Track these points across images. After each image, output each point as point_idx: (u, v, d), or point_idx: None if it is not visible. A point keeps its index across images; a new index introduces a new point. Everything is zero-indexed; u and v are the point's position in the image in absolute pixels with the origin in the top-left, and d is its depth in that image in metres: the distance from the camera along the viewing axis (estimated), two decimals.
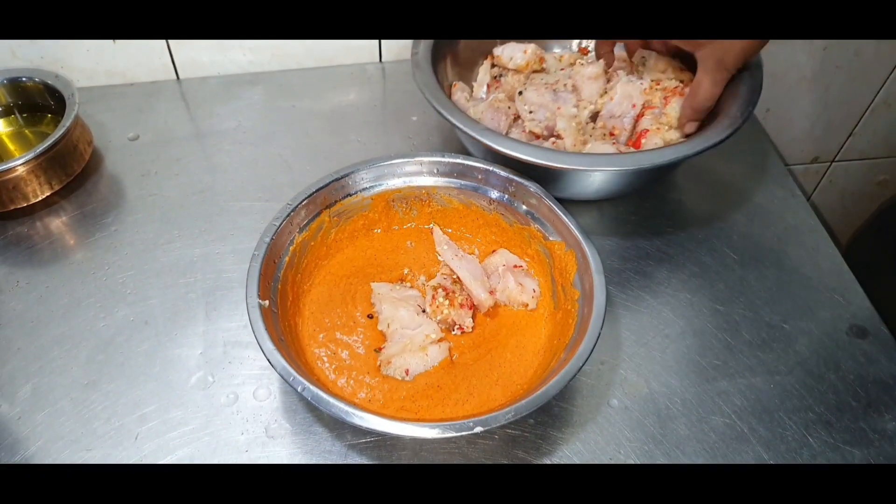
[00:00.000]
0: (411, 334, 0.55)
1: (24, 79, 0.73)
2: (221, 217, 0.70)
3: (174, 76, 0.86)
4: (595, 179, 0.65)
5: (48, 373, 0.56)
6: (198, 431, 0.53)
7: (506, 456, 0.53)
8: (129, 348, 0.58)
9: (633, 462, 0.53)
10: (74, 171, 0.71)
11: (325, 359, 0.55)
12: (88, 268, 0.64)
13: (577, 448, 0.54)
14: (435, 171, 0.63)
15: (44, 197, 0.68)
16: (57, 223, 0.68)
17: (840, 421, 0.56)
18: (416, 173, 0.63)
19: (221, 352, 0.58)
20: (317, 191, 0.60)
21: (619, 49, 0.75)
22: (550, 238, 0.60)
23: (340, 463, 0.52)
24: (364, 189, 0.63)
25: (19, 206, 0.67)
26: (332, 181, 0.60)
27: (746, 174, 0.77)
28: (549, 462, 0.53)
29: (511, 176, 0.61)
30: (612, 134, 0.71)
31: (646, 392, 0.57)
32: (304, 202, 0.59)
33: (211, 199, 0.72)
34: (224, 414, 0.54)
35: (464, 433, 0.45)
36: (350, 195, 0.62)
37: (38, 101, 0.75)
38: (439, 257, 0.62)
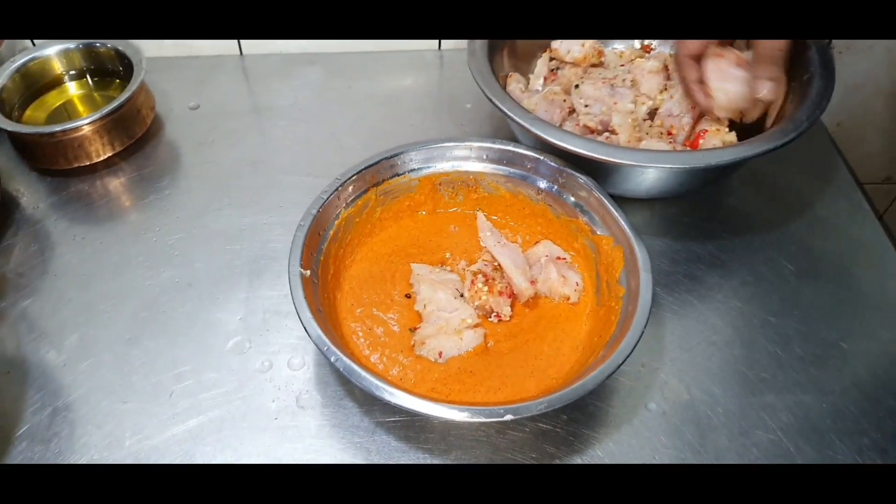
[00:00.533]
0: (447, 317, 0.54)
1: (97, 44, 0.76)
2: (271, 190, 0.70)
3: (238, 51, 0.88)
4: (647, 177, 0.62)
5: (94, 325, 0.58)
6: (230, 395, 0.53)
7: (535, 450, 0.52)
8: (171, 308, 0.59)
9: None
10: (136, 135, 0.73)
11: (361, 334, 0.55)
12: (140, 228, 0.66)
13: (609, 449, 0.52)
14: (484, 157, 0.63)
15: (106, 157, 0.71)
16: (115, 183, 0.70)
17: None
18: (465, 158, 0.63)
19: (261, 319, 0.59)
20: (366, 168, 0.60)
21: None
22: (598, 232, 0.58)
23: (367, 439, 0.51)
24: (412, 170, 0.62)
25: (82, 165, 0.70)
26: (382, 160, 0.60)
27: (810, 184, 0.73)
28: (578, 460, 0.51)
29: (561, 167, 0.60)
30: (669, 133, 0.69)
31: (686, 399, 0.55)
32: (353, 178, 0.59)
33: (263, 172, 0.73)
34: (257, 380, 0.55)
35: (493, 419, 0.44)
36: (398, 175, 0.62)
37: (109, 67, 0.77)
38: (482, 243, 0.61)
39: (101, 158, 0.70)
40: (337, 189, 0.57)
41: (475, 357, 0.54)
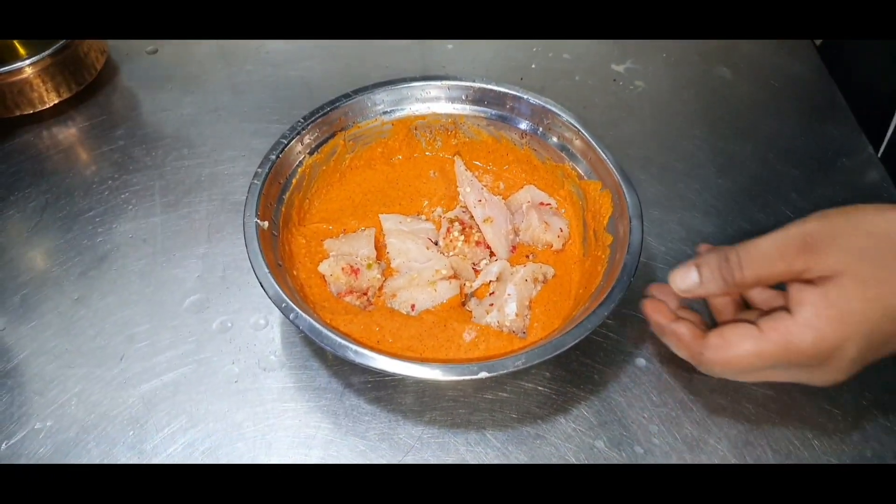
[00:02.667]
0: (419, 268, 0.50)
1: None
2: (234, 138, 0.65)
3: None
4: None
5: (39, 284, 0.53)
6: (186, 357, 0.49)
7: (516, 409, 0.48)
8: (124, 265, 0.55)
9: (656, 428, 0.47)
10: (85, 80, 0.67)
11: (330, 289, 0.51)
12: (91, 181, 0.61)
13: (596, 407, 0.48)
14: (463, 97, 0.57)
15: (52, 104, 0.65)
16: (65, 133, 0.65)
17: None
18: (443, 98, 0.58)
19: (220, 276, 0.54)
20: (331, 110, 0.54)
21: None
22: (586, 178, 0.54)
23: (335, 402, 0.48)
24: (384, 113, 0.57)
25: (26, 113, 0.64)
26: (348, 101, 0.55)
27: (810, 128, 0.69)
28: (563, 420, 0.48)
29: (546, 105, 0.55)
30: None
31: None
32: (317, 121, 0.54)
33: (225, 119, 0.67)
34: (217, 341, 0.50)
35: (467, 377, 0.40)
36: (368, 118, 0.57)
37: None
38: (461, 198, 0.56)
39: (48, 106, 0.65)
40: (298, 133, 0.52)
41: (451, 310, 0.50)
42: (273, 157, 0.51)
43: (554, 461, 0.46)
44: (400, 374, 0.41)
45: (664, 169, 0.65)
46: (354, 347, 0.41)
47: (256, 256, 0.45)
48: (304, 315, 0.42)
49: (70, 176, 0.61)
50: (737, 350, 0.39)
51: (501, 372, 0.40)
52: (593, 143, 0.52)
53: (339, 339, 0.41)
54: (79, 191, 0.60)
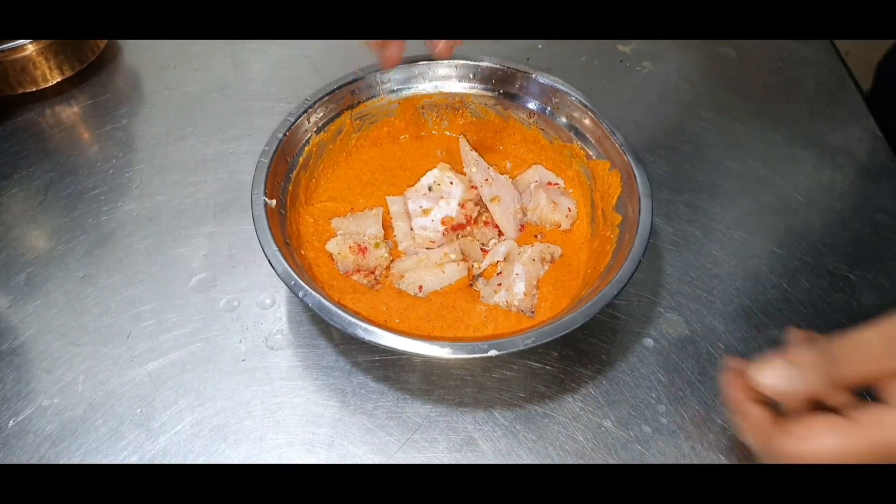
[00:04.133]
0: (427, 250, 0.50)
1: None
2: (239, 116, 0.65)
3: None
4: None
5: (44, 263, 0.53)
6: (193, 335, 0.49)
7: (523, 389, 0.48)
8: (129, 244, 0.54)
9: (663, 407, 0.47)
10: (88, 59, 0.66)
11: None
12: (96, 159, 0.60)
13: (604, 387, 0.48)
14: (471, 76, 0.57)
15: (54, 83, 0.64)
16: (68, 112, 0.64)
17: None
18: (450, 77, 0.57)
19: (227, 255, 0.54)
20: (337, 88, 0.54)
21: None
22: (594, 157, 0.53)
23: (343, 380, 0.48)
24: (391, 91, 0.57)
25: (29, 91, 0.64)
26: (355, 79, 0.55)
27: (820, 111, 0.68)
28: (570, 399, 0.48)
29: (555, 85, 0.55)
30: None
31: (686, 334, 0.51)
32: (324, 99, 0.53)
33: (230, 98, 0.67)
34: (223, 320, 0.50)
35: (476, 355, 0.40)
36: (375, 97, 0.56)
37: None
38: (468, 177, 0.56)
39: (50, 84, 0.64)
40: (305, 111, 0.52)
41: (459, 291, 0.50)
42: (280, 135, 0.50)
43: (562, 440, 0.46)
44: (410, 353, 0.41)
45: (671, 150, 0.64)
46: (364, 325, 0.41)
47: (265, 234, 0.45)
48: (312, 293, 0.42)
49: (74, 154, 0.61)
50: (821, 442, 0.34)
51: (511, 350, 0.40)
52: (603, 122, 0.52)
53: (348, 317, 0.41)
54: (83, 169, 0.60)
